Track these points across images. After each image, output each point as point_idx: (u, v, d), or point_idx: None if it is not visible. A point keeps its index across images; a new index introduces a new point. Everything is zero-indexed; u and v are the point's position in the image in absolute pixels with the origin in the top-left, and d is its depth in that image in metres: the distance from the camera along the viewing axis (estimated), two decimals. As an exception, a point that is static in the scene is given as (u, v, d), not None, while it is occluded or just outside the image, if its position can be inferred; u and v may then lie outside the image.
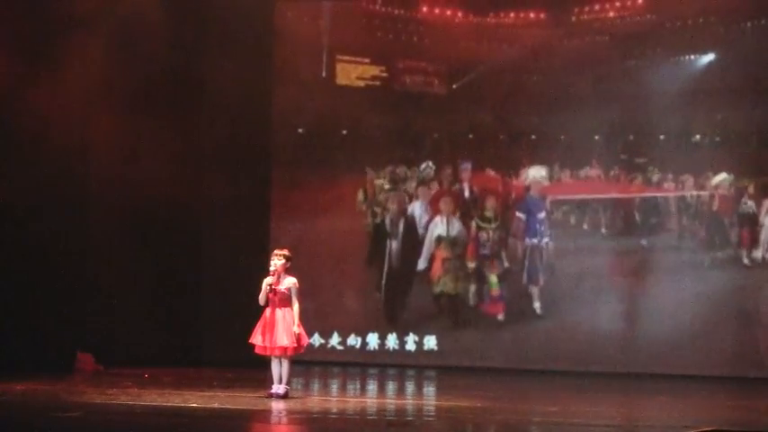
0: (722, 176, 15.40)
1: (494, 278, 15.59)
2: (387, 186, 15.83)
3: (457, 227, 15.74)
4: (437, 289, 15.58)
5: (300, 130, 15.81)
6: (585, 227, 15.70)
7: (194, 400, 10.12)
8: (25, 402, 10.03)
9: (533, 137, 15.77)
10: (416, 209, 15.86)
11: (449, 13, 15.74)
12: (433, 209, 15.79)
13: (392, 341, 15.56)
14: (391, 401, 11.47)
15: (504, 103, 15.69)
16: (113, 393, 10.44)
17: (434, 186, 15.89)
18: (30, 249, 12.65)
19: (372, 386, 13.11)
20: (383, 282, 15.74)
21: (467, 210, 15.75)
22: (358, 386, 13.06)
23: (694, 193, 15.37)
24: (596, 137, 15.64)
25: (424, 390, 13.00)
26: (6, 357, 11.92)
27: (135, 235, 13.70)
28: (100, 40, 13.32)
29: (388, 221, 15.86)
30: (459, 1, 15.64)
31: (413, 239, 15.75)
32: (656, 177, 15.56)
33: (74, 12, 13.01)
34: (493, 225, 15.69)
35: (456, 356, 15.33)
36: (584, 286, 15.31)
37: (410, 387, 13.17)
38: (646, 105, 15.29)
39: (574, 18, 15.58)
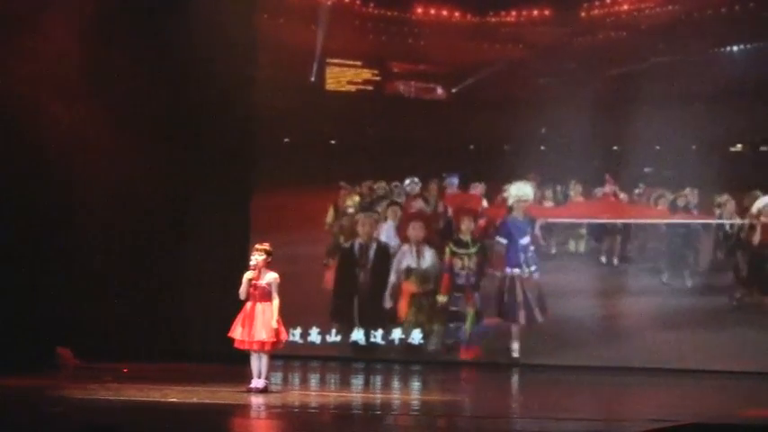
0: (766, 200, 12.04)
1: (469, 315, 12.42)
2: (357, 204, 12.97)
3: (429, 258, 12.64)
4: (405, 333, 12.61)
5: (287, 140, 13.30)
6: (601, 258, 12.54)
7: (174, 394, 9.69)
8: (4, 398, 9.53)
9: (542, 147, 12.73)
10: (384, 233, 12.85)
11: (445, 12, 13.23)
12: (401, 236, 12.77)
13: (379, 336, 12.74)
14: (372, 396, 10.95)
15: (509, 109, 12.76)
16: (93, 389, 10.02)
17: (414, 206, 12.90)
18: (8, 246, 11.91)
19: (356, 380, 12.01)
20: (355, 316, 12.82)
21: (442, 235, 12.69)
22: (338, 380, 12.14)
23: (737, 221, 12.04)
24: (614, 147, 12.51)
25: (408, 384, 11.88)
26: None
27: (116, 230, 12.89)
28: (84, 42, 12.28)
29: (357, 247, 12.88)
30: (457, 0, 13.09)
31: (385, 271, 12.76)
32: (683, 200, 12.30)
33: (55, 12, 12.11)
34: (471, 250, 12.52)
35: (441, 351, 12.70)
36: (583, 330, 12.16)
37: (393, 381, 12.13)
38: (675, 109, 12.09)
39: (583, 13, 12.77)
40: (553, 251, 12.68)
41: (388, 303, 12.76)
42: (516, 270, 12.37)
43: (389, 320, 12.78)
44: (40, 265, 12.15)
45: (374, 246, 12.89)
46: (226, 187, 13.06)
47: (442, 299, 12.60)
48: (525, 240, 12.42)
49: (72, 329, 12.13)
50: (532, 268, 12.37)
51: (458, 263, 12.51)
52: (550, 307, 12.35)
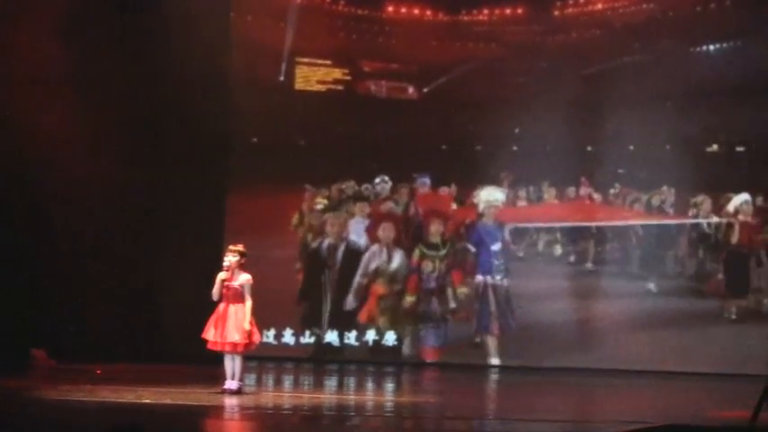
0: (743, 198, 11.88)
1: (440, 316, 12.12)
2: (325, 204, 12.62)
3: (398, 259, 12.31)
4: (369, 335, 12.28)
5: (255, 140, 12.89)
6: (576, 261, 12.27)
7: (147, 396, 9.66)
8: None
9: (515, 148, 12.48)
10: (353, 231, 12.49)
11: (417, 11, 12.93)
12: (371, 236, 12.44)
13: (353, 338, 12.39)
14: (345, 397, 10.84)
15: (481, 109, 12.46)
16: (67, 390, 9.95)
17: (384, 207, 12.56)
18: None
19: (329, 382, 11.83)
20: (325, 317, 12.45)
21: (412, 237, 12.37)
22: (312, 382, 11.93)
23: (714, 219, 11.86)
24: (588, 147, 12.30)
25: (382, 386, 11.72)
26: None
27: (89, 232, 12.67)
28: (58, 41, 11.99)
29: (325, 247, 12.52)
30: (428, -2, 12.83)
31: (354, 270, 12.42)
32: (657, 199, 12.10)
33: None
34: (441, 253, 12.21)
35: (414, 353, 12.41)
36: (558, 333, 11.87)
37: (367, 383, 11.96)
38: (649, 109, 11.89)
39: (557, 12, 12.55)
40: (526, 255, 12.38)
41: (352, 304, 12.40)
42: (488, 277, 12.09)
43: (357, 321, 12.39)
44: (13, 267, 11.95)
45: (343, 246, 12.53)
46: (200, 188, 12.69)
47: (409, 299, 12.29)
48: (497, 247, 12.13)
49: (46, 331, 12.06)
50: (505, 275, 12.07)
51: (428, 265, 12.21)
52: (526, 310, 12.06)
